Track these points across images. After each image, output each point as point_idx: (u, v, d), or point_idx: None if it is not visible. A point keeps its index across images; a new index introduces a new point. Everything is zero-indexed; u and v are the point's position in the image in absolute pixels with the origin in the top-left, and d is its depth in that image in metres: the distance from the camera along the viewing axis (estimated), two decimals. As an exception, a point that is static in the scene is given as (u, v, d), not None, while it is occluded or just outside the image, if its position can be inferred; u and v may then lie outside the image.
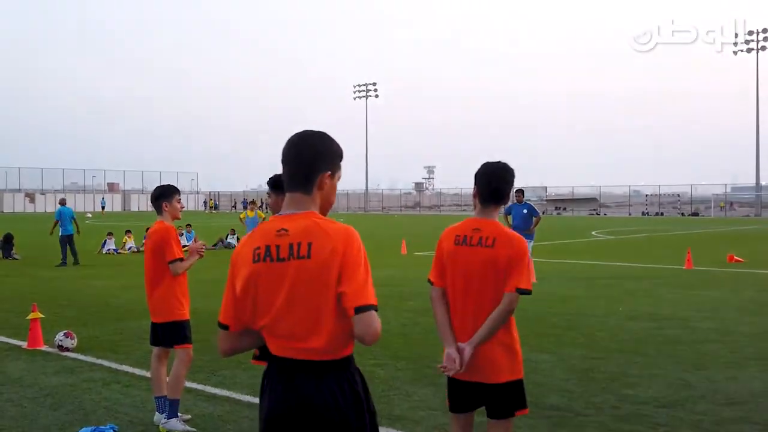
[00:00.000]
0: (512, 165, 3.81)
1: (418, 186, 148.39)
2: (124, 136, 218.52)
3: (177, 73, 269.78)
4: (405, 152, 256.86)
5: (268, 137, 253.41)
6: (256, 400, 6.67)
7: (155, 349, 5.95)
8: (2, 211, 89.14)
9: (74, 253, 20.35)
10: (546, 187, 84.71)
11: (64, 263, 19.97)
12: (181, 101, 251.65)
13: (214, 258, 22.15)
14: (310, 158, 2.72)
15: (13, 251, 22.02)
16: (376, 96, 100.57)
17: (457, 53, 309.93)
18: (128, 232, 25.47)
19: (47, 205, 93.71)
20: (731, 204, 79.08)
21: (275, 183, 4.74)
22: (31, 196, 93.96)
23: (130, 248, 24.77)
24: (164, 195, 5.84)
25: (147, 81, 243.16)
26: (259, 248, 2.69)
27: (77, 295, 13.55)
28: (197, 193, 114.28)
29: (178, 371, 5.69)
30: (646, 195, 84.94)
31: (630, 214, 73.86)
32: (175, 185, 6.05)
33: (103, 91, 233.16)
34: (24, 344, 8.91)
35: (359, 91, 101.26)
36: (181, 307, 5.73)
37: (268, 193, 4.96)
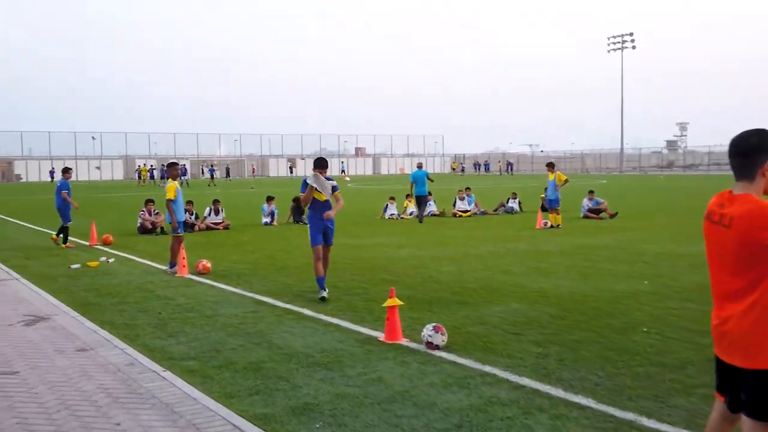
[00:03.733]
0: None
1: (671, 144, 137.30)
2: (371, 101, 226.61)
3: (416, 36, 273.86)
4: (648, 108, 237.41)
5: (508, 98, 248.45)
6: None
7: (721, 405, 3.59)
8: (268, 176, 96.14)
9: (420, 213, 21.82)
10: None
11: (420, 219, 21.53)
12: (428, 64, 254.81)
13: (504, 224, 20.08)
14: None
15: (303, 216, 21.79)
16: (633, 47, 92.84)
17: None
18: (408, 196, 24.38)
19: (306, 170, 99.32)
20: None
21: None
22: (292, 161, 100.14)
23: (411, 213, 23.69)
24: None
25: (392, 47, 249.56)
26: None
27: (395, 268, 12.15)
28: (442, 155, 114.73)
29: None
30: None
31: None
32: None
33: (352, 56, 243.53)
34: (380, 335, 7.37)
35: (614, 43, 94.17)
36: None
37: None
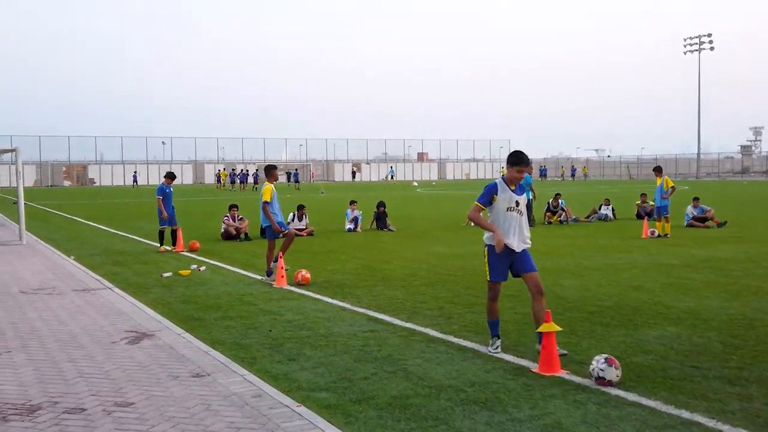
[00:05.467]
0: None
1: (745, 149, 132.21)
2: (433, 105, 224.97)
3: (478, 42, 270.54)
4: (716, 112, 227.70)
5: (576, 102, 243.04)
6: None
7: None
8: (334, 180, 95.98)
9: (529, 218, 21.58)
10: None
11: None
12: (493, 67, 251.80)
13: (603, 233, 18.51)
14: None
15: (388, 222, 20.93)
16: (711, 48, 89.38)
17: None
18: (495, 202, 23.23)
19: (371, 174, 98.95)
20: None
21: None
22: (357, 166, 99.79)
23: (498, 220, 22.52)
24: None
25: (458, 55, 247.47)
26: None
27: (508, 281, 11.06)
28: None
29: None
30: None
31: None
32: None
33: (416, 62, 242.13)
34: (530, 365, 6.36)
35: (691, 44, 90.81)
36: None
37: None
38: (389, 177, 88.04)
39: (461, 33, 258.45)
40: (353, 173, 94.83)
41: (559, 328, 6.34)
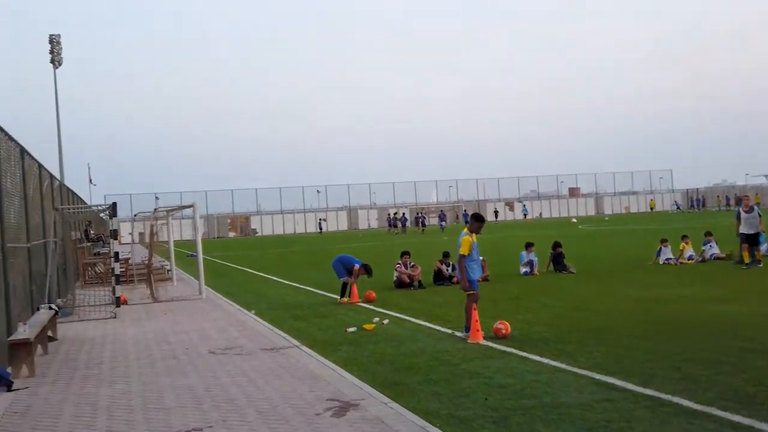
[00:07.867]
0: None
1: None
2: (584, 136, 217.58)
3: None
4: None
5: (748, 122, 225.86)
6: None
7: None
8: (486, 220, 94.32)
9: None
10: None
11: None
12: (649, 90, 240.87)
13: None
14: None
15: (567, 263, 19.47)
16: None
17: None
18: (684, 237, 21.15)
19: (518, 212, 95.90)
20: None
21: None
22: (510, 204, 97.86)
23: (690, 257, 20.42)
24: None
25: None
26: None
27: (744, 332, 9.45)
28: (672, 191, 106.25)
29: None
30: None
31: None
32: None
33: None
34: None
35: None
36: None
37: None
38: (524, 216, 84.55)
39: (612, 56, 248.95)
40: (495, 213, 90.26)
41: None
